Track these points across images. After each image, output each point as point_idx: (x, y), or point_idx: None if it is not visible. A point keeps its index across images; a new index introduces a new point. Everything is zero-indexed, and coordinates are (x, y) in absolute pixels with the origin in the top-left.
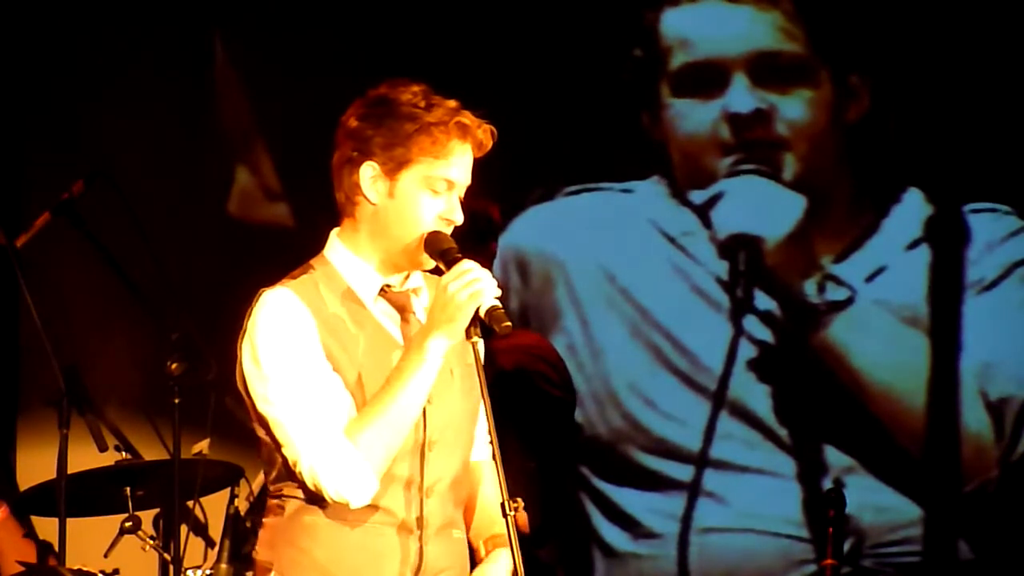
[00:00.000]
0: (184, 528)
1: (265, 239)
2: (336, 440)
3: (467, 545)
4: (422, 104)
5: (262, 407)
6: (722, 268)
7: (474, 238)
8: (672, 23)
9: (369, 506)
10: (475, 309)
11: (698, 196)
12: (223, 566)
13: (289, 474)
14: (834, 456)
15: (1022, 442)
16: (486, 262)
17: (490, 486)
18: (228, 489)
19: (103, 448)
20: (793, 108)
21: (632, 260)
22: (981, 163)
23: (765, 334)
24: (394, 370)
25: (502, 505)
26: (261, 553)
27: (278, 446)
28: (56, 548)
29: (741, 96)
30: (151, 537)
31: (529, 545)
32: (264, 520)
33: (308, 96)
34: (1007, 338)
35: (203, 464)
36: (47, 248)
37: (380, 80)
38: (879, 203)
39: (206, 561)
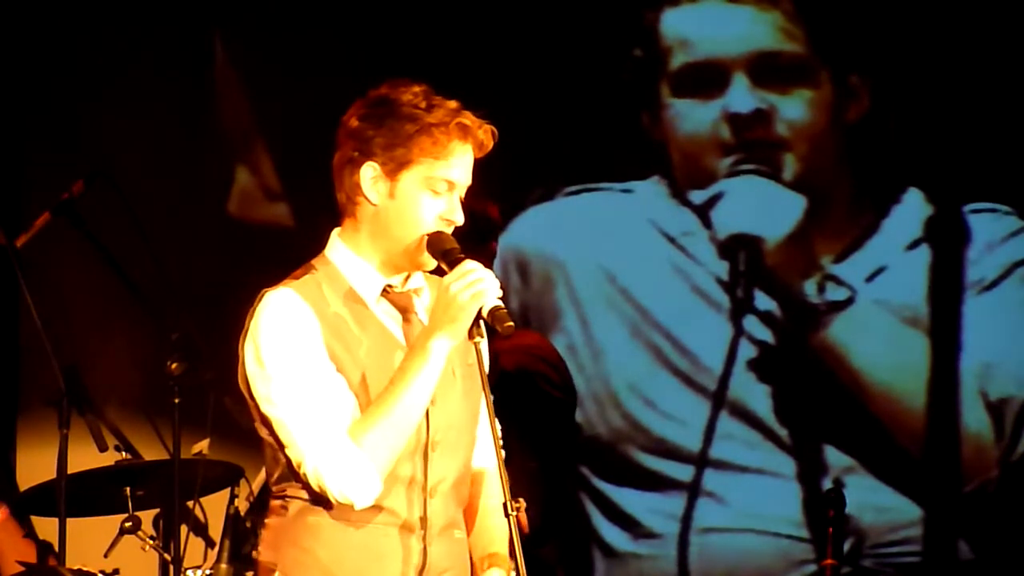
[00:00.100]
0: (184, 528)
1: (265, 239)
2: (340, 441)
3: (467, 546)
4: (423, 105)
5: (265, 408)
6: (722, 268)
7: (473, 238)
8: (672, 23)
9: (373, 507)
10: (478, 309)
11: (698, 196)
12: (223, 566)
13: (293, 475)
14: (834, 456)
15: (1022, 442)
16: (486, 262)
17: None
18: (228, 489)
19: (103, 448)
20: (793, 108)
21: (632, 260)
22: (981, 163)
23: (765, 334)
24: (398, 371)
25: (504, 505)
26: (264, 554)
27: (281, 447)
28: (56, 548)
29: (741, 96)
30: (151, 537)
31: (530, 545)
32: (267, 520)
33: (308, 96)
34: (1007, 338)
35: (203, 464)
36: (47, 248)
37: (380, 80)
38: (879, 203)
39: (206, 561)
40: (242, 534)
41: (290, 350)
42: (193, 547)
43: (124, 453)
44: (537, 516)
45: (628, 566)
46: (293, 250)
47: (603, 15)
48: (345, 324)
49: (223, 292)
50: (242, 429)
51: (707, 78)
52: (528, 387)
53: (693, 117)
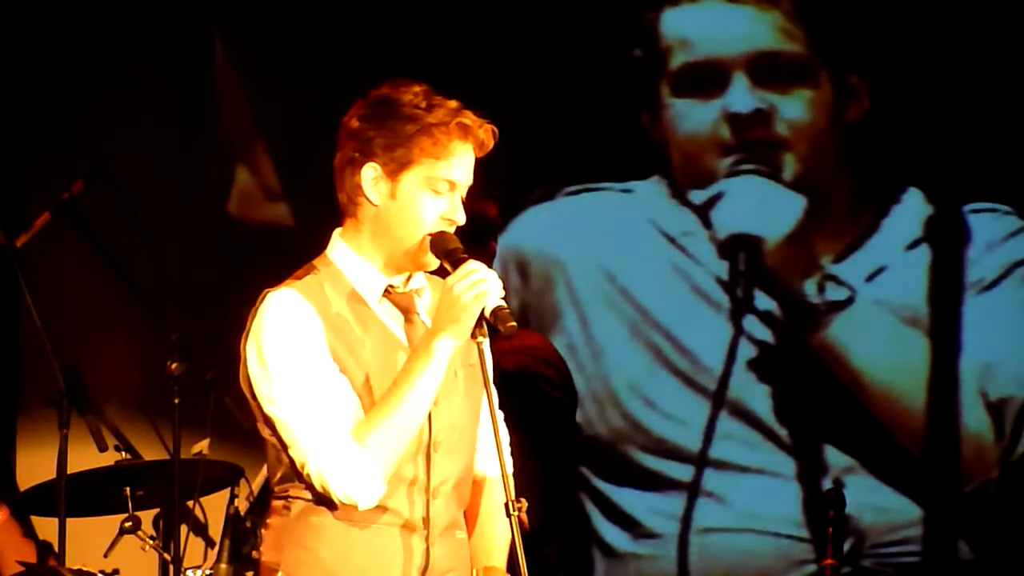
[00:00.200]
0: (184, 528)
1: (265, 239)
2: (344, 442)
3: (468, 546)
4: (423, 105)
5: (268, 408)
6: (722, 268)
7: (473, 238)
8: (672, 23)
9: (376, 507)
10: (480, 309)
11: (698, 196)
12: (223, 566)
13: (296, 475)
14: (834, 456)
15: (1022, 442)
16: (486, 261)
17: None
18: (228, 489)
19: (103, 448)
20: (793, 108)
21: (632, 260)
22: (981, 163)
23: (765, 334)
24: (401, 372)
25: (506, 505)
26: (267, 554)
27: (284, 447)
28: (56, 548)
29: (741, 96)
30: (151, 537)
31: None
32: (269, 520)
33: (308, 96)
34: (1007, 338)
35: (203, 464)
36: (47, 248)
37: (381, 80)
38: (879, 203)
39: (206, 561)
40: (242, 534)
41: (293, 351)
42: (193, 547)
43: (124, 453)
44: (538, 516)
45: (628, 566)
46: (293, 250)
47: (603, 15)
48: (347, 325)
49: (223, 292)
50: (242, 429)
51: (707, 78)
52: (529, 388)
53: (693, 117)
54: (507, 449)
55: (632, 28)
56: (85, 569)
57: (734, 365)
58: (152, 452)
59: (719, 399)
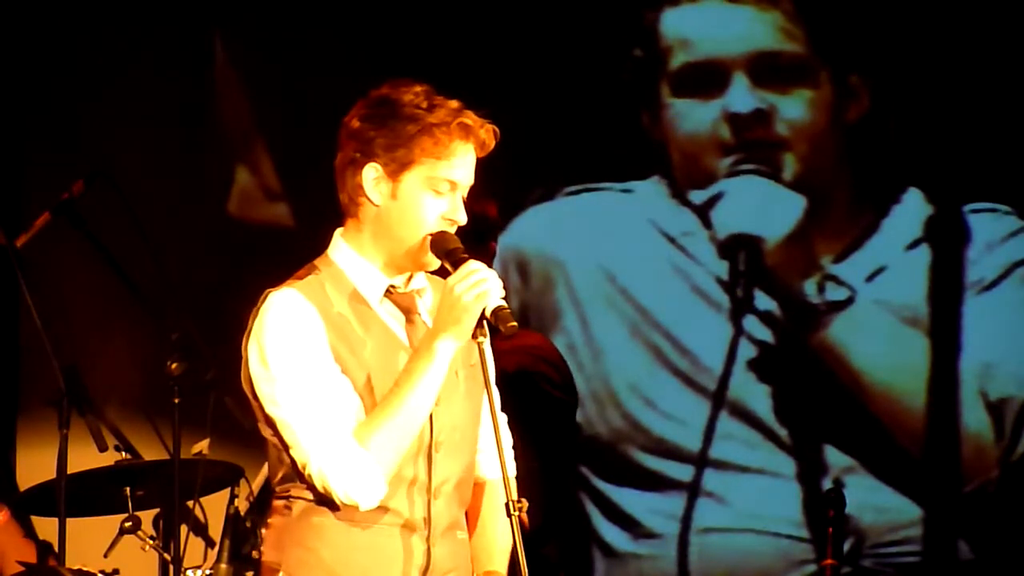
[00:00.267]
0: (184, 528)
1: (265, 239)
2: (345, 442)
3: (469, 547)
4: (424, 105)
5: (270, 408)
6: (722, 268)
7: (472, 238)
8: (672, 23)
9: (377, 507)
10: (481, 310)
11: (698, 196)
12: (223, 566)
13: (297, 475)
14: (834, 456)
15: (1022, 442)
16: (485, 261)
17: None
18: (228, 489)
19: (103, 448)
20: (793, 108)
21: (632, 260)
22: (981, 163)
23: (765, 334)
24: (403, 372)
25: (506, 505)
26: (268, 554)
27: (286, 448)
28: (56, 548)
29: (741, 96)
30: (151, 537)
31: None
32: (270, 520)
33: (308, 96)
34: (1007, 338)
35: (203, 464)
36: (47, 248)
37: (381, 80)
38: (879, 203)
39: (206, 561)
40: (242, 534)
41: (295, 351)
42: (193, 547)
43: (124, 453)
44: (538, 516)
45: (628, 566)
46: (293, 250)
47: (603, 15)
48: (349, 325)
49: (223, 292)
50: (242, 429)
51: (707, 78)
52: (529, 387)
53: (693, 117)
54: (510, 452)
55: (632, 28)
56: (85, 569)
57: (734, 365)
58: (152, 452)
59: (719, 399)
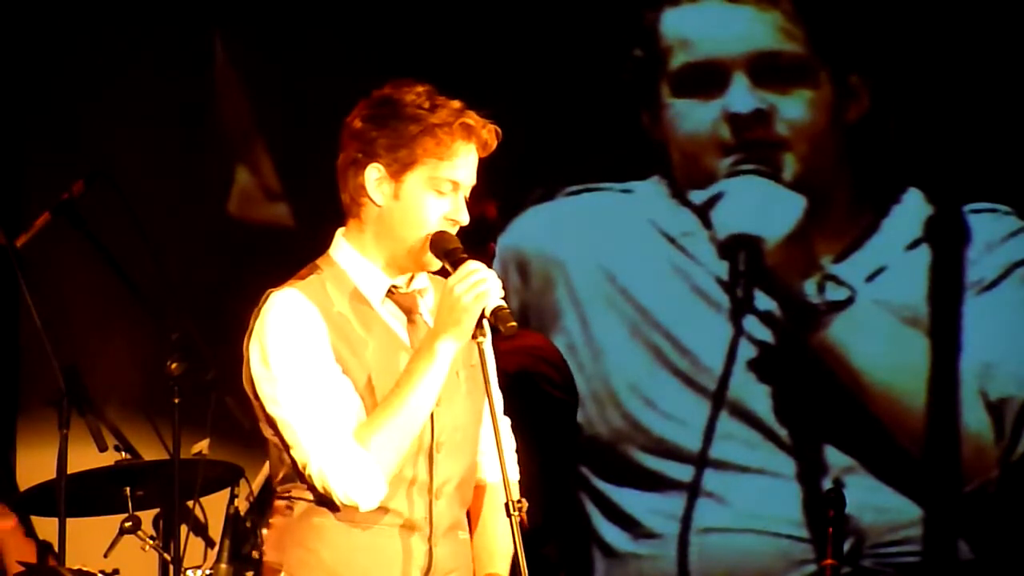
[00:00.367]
0: (184, 528)
1: (265, 239)
2: (346, 443)
3: (470, 546)
4: (426, 105)
5: (271, 408)
6: (722, 268)
7: (472, 239)
8: (672, 23)
9: (379, 508)
10: (481, 310)
11: (698, 196)
12: (223, 566)
13: (298, 476)
14: (834, 456)
15: (1022, 442)
16: (485, 262)
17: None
18: (228, 489)
19: (103, 448)
20: (793, 108)
21: (632, 260)
22: (981, 163)
23: (765, 334)
24: (404, 373)
25: (506, 505)
26: (270, 554)
27: (286, 448)
28: (56, 548)
29: (741, 96)
30: (151, 537)
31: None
32: (272, 521)
33: (308, 96)
34: (1007, 338)
35: (203, 464)
36: (47, 248)
37: (381, 80)
38: (879, 203)
39: (206, 561)
40: (242, 534)
41: (296, 351)
42: (193, 547)
43: (124, 453)
44: (538, 516)
45: (628, 566)
46: (293, 250)
47: (603, 15)
48: (350, 325)
49: (223, 292)
50: (242, 429)
51: (707, 78)
52: (530, 388)
53: (693, 117)
54: (513, 456)
55: (632, 28)
56: (85, 569)
57: (734, 365)
58: (152, 452)
59: (719, 399)
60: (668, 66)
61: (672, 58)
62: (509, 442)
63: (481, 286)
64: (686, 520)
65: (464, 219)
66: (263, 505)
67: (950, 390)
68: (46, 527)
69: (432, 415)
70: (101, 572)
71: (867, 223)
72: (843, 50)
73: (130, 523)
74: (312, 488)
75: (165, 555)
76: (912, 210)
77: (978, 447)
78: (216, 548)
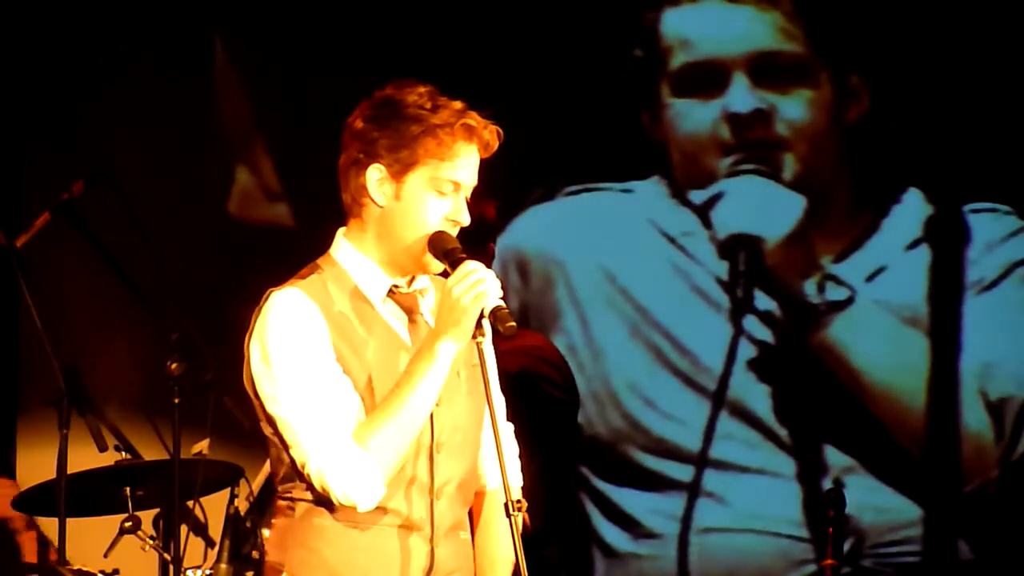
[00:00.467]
0: (184, 528)
1: (265, 239)
2: (344, 443)
3: (471, 546)
4: (428, 106)
5: (271, 407)
6: (722, 268)
7: (472, 239)
8: (672, 23)
9: (379, 508)
10: (480, 310)
11: (698, 196)
12: (223, 566)
13: (297, 475)
14: (834, 456)
15: (1022, 442)
16: (485, 263)
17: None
18: (228, 489)
19: (103, 448)
20: (793, 108)
21: (632, 260)
22: (981, 163)
23: (765, 334)
24: (404, 374)
25: (506, 505)
26: (272, 554)
27: (286, 447)
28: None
29: (741, 96)
30: (151, 537)
31: (533, 546)
32: (274, 521)
33: (308, 96)
34: (1007, 338)
35: (203, 464)
36: (47, 248)
37: (381, 80)
38: (879, 203)
39: (206, 561)
40: (242, 534)
41: (297, 350)
42: (193, 547)
43: (124, 453)
44: (540, 517)
45: (628, 566)
46: (293, 250)
47: (603, 15)
48: (351, 324)
49: (223, 292)
50: (242, 429)
51: (707, 78)
52: (530, 388)
53: (693, 117)
54: (516, 462)
55: (632, 28)
56: (85, 569)
57: (734, 365)
58: (152, 452)
59: (719, 399)
60: (668, 66)
61: (672, 58)
62: (511, 448)
63: (480, 286)
64: (686, 520)
65: (465, 220)
66: (263, 505)
67: (950, 390)
68: (46, 527)
69: (432, 415)
70: (101, 572)
71: (867, 223)
72: (843, 50)
73: (130, 523)
74: (311, 487)
75: (165, 555)
76: (912, 210)
77: (978, 447)
78: (216, 548)
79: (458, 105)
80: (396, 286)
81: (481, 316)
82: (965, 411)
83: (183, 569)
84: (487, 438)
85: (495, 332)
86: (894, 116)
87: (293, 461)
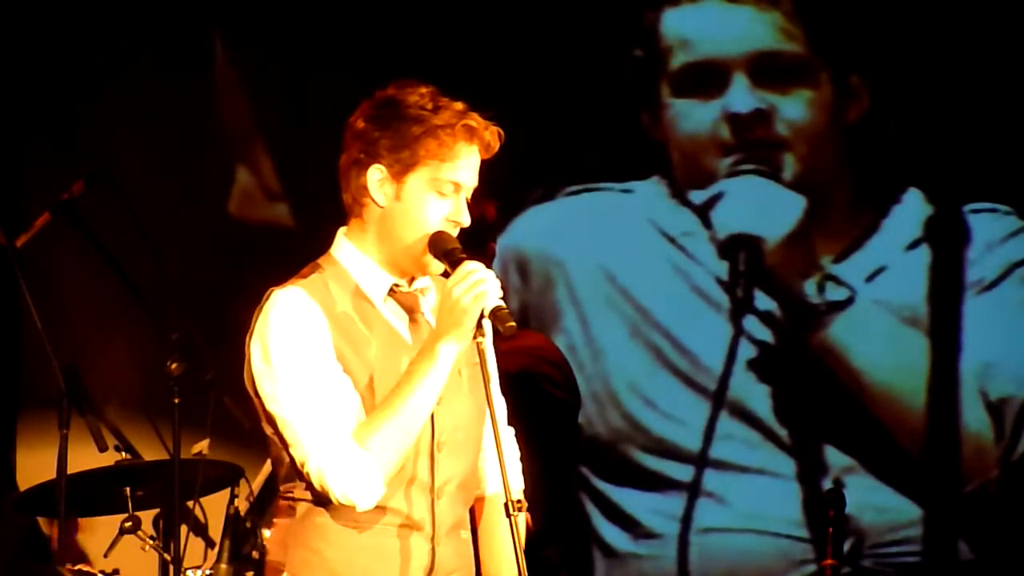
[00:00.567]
0: (184, 528)
1: (265, 239)
2: (344, 442)
3: (473, 546)
4: (429, 106)
5: (271, 406)
6: (722, 268)
7: (472, 239)
8: (672, 23)
9: (381, 508)
10: (480, 310)
11: (698, 196)
12: (223, 566)
13: (297, 474)
14: (834, 456)
15: (1022, 442)
16: (485, 263)
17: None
18: (228, 489)
19: (103, 448)
20: (793, 108)
21: (632, 260)
22: (981, 163)
23: (765, 334)
24: (404, 374)
25: (505, 505)
26: (273, 553)
27: (286, 446)
28: (56, 548)
29: (741, 96)
30: (151, 537)
31: (534, 546)
32: (275, 520)
33: (308, 96)
34: (1007, 338)
35: (203, 464)
36: (47, 248)
37: (381, 80)
38: (879, 203)
39: (206, 561)
40: (242, 534)
41: (298, 349)
42: (193, 547)
43: (124, 453)
44: (540, 517)
45: (628, 566)
46: (293, 250)
47: (603, 15)
48: (353, 324)
49: (223, 292)
50: (242, 429)
51: (707, 78)
52: (531, 388)
53: (693, 117)
54: (518, 466)
55: (632, 28)
56: (85, 569)
57: (734, 365)
58: (152, 452)
59: (719, 399)
60: (668, 66)
61: (672, 58)
62: (512, 450)
63: (480, 287)
64: (686, 520)
65: (465, 220)
66: (263, 505)
67: (950, 390)
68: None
69: (432, 414)
70: (101, 572)
71: (867, 223)
72: (843, 50)
73: (130, 523)
74: (310, 487)
75: (165, 555)
76: (912, 210)
77: (978, 447)
78: (216, 548)
79: (459, 106)
80: (397, 285)
81: (481, 316)
82: (965, 411)
83: (183, 569)
84: (488, 439)
85: (495, 332)
86: (894, 116)
87: (293, 460)
